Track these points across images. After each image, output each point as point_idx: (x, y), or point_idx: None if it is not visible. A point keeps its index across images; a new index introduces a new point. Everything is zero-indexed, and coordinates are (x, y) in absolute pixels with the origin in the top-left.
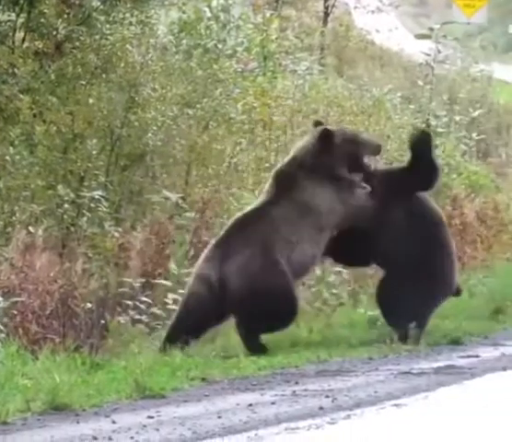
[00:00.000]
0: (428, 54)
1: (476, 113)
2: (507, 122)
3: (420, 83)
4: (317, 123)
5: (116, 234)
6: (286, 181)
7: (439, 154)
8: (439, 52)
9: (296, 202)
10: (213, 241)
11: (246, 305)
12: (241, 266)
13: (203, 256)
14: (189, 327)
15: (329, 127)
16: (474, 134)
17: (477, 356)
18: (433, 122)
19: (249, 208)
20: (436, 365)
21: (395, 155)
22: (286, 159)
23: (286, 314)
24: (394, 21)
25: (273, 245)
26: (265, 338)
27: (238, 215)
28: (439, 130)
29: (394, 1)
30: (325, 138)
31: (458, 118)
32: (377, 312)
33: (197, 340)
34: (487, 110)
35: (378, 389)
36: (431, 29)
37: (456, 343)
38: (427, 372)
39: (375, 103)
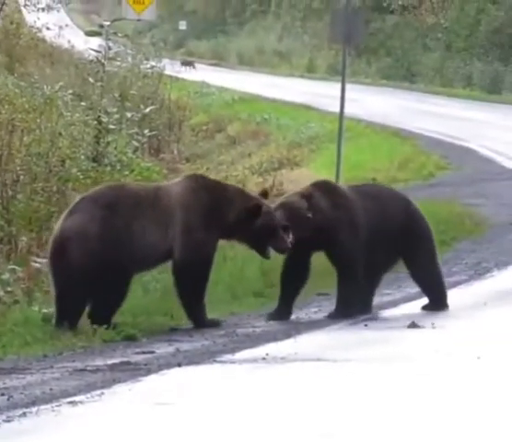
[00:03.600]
0: (99, 51)
1: (148, 110)
2: (179, 118)
3: (91, 80)
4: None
5: None
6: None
7: (111, 151)
8: (110, 48)
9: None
10: None
11: None
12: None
13: None
14: None
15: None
16: (146, 131)
17: (152, 352)
18: (104, 119)
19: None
20: (110, 361)
21: (67, 152)
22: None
23: None
24: (65, 18)
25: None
26: None
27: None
28: (111, 127)
29: None
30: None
31: (129, 115)
32: (51, 310)
33: None
34: (159, 106)
35: (54, 386)
36: (101, 26)
37: (131, 339)
38: (102, 369)
39: (46, 101)
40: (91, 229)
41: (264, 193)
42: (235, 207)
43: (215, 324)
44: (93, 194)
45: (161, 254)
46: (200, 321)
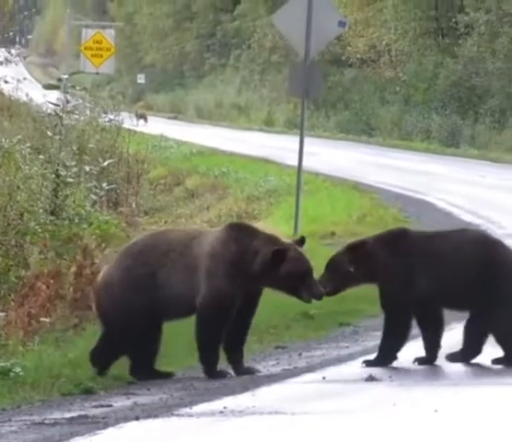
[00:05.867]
0: (57, 105)
1: (106, 163)
2: (137, 172)
3: (49, 133)
4: None
5: None
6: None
7: (70, 204)
8: (68, 102)
9: None
10: None
11: None
12: None
13: None
14: None
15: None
16: (104, 184)
17: (110, 406)
18: (62, 173)
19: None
20: (68, 415)
21: (25, 205)
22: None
23: None
24: (23, 71)
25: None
26: None
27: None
28: (69, 180)
29: (22, 52)
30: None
31: (87, 168)
32: (8, 363)
33: None
34: (117, 159)
35: (12, 439)
36: (59, 80)
37: (89, 392)
38: (60, 422)
39: (4, 154)
40: (114, 277)
41: (301, 241)
42: (261, 255)
43: (222, 375)
44: (129, 243)
45: (189, 302)
46: (208, 371)
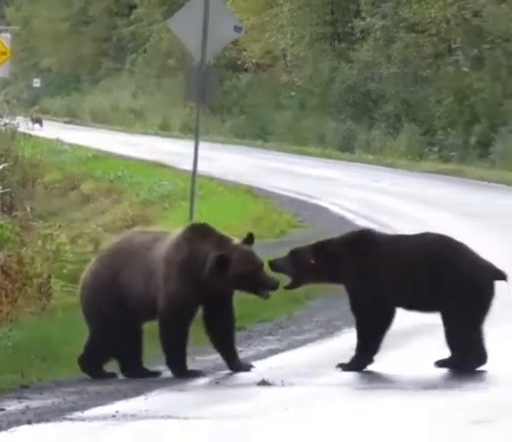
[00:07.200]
0: None
1: (1, 167)
2: (32, 176)
3: None
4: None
5: None
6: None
7: None
8: None
9: None
10: None
11: None
12: None
13: None
14: None
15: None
16: None
17: (2, 410)
18: None
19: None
20: None
21: None
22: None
23: None
24: None
25: None
26: None
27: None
28: None
29: None
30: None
31: None
32: None
33: None
34: (12, 163)
35: None
36: None
37: None
38: None
39: None
40: (86, 281)
41: (249, 239)
42: (208, 260)
43: (196, 374)
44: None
45: (152, 305)
46: (176, 372)
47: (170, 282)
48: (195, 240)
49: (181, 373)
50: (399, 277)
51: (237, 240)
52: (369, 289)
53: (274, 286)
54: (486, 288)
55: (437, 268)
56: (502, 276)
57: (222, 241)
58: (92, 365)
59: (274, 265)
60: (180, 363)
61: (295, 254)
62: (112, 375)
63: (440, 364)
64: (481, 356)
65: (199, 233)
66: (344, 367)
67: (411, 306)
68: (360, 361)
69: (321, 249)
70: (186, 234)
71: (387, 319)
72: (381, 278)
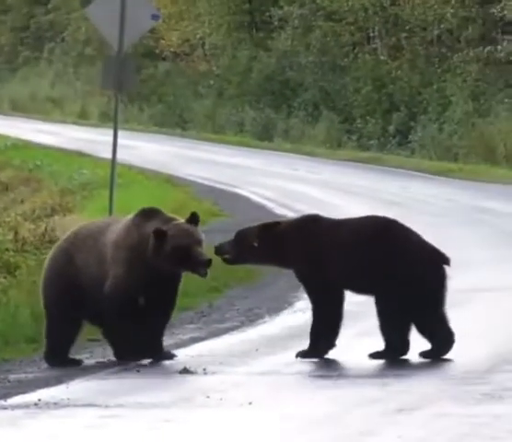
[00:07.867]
0: None
1: None
2: None
3: None
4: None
5: None
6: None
7: None
8: None
9: None
10: None
11: None
12: None
13: None
14: None
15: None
16: None
17: None
18: None
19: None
20: None
21: None
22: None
23: None
24: None
25: None
26: None
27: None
28: None
29: None
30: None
31: None
32: None
33: None
34: None
35: None
36: None
37: None
38: None
39: None
40: (46, 269)
41: (192, 217)
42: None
43: (135, 358)
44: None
45: (101, 288)
46: (121, 355)
47: (118, 265)
48: (143, 224)
49: (126, 356)
50: (347, 261)
51: (181, 220)
52: (319, 274)
53: (207, 263)
54: (436, 271)
55: (386, 252)
56: (445, 260)
57: (167, 221)
58: (57, 355)
59: (219, 249)
60: (128, 345)
61: (239, 235)
62: (78, 362)
63: (373, 356)
64: (405, 345)
65: (147, 216)
66: (303, 355)
67: (360, 289)
68: (319, 347)
69: (267, 231)
70: (135, 218)
71: (339, 303)
72: (330, 262)
